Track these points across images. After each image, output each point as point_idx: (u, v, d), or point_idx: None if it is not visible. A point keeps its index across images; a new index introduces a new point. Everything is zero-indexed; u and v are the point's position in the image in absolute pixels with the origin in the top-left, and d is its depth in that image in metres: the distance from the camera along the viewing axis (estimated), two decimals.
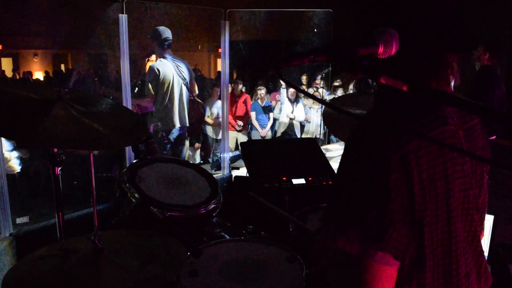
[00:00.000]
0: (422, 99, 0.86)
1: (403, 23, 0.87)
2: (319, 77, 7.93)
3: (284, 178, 2.29)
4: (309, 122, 7.39)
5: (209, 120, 6.57)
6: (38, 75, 11.51)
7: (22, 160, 4.98)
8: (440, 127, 0.86)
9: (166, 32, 4.31)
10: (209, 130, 6.66)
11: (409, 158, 0.80)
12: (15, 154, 4.81)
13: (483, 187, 0.99)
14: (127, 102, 3.12)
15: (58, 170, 1.70)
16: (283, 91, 7.44)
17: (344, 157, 0.88)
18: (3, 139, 2.29)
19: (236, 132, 6.79)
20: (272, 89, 7.99)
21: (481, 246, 0.99)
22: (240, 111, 6.80)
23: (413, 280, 0.85)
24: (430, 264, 0.86)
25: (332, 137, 6.35)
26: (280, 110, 7.28)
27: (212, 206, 1.86)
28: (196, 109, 5.50)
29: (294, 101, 7.21)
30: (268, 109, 7.02)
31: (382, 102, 0.94)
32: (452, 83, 0.93)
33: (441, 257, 0.87)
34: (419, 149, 0.81)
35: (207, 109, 6.57)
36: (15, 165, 4.83)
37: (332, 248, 1.07)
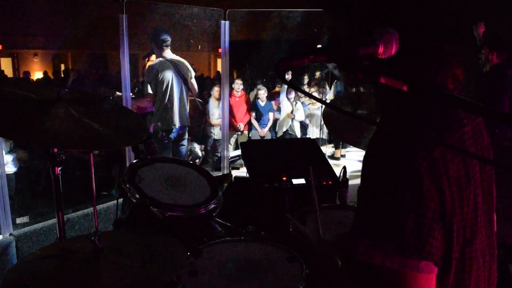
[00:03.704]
0: (422, 99, 0.86)
1: (402, 22, 0.87)
2: (319, 77, 7.93)
3: (284, 178, 2.29)
4: (309, 122, 7.40)
5: (209, 120, 6.57)
6: (38, 75, 11.51)
7: (19, 161, 4.97)
8: (460, 130, 0.87)
9: (164, 33, 4.30)
10: (209, 130, 6.67)
11: (438, 164, 0.80)
12: (10, 157, 4.75)
13: (493, 183, 0.99)
14: (127, 102, 3.12)
15: (58, 170, 1.70)
16: (282, 90, 7.45)
17: (368, 170, 0.85)
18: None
19: (235, 132, 6.79)
20: (272, 89, 8.00)
21: (495, 247, 0.99)
22: (240, 111, 6.80)
23: (437, 284, 0.84)
24: (455, 268, 0.86)
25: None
26: (280, 110, 7.28)
27: (212, 206, 1.86)
28: (196, 109, 5.51)
29: (293, 100, 7.21)
30: (267, 109, 7.02)
31: (396, 109, 0.92)
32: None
33: (459, 262, 0.87)
34: (446, 154, 0.81)
35: (207, 109, 6.57)
36: (9, 168, 4.78)
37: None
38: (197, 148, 6.14)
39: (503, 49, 4.46)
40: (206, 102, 6.65)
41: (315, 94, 7.12)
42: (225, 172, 3.59)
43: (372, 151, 0.87)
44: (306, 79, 8.05)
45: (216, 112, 6.48)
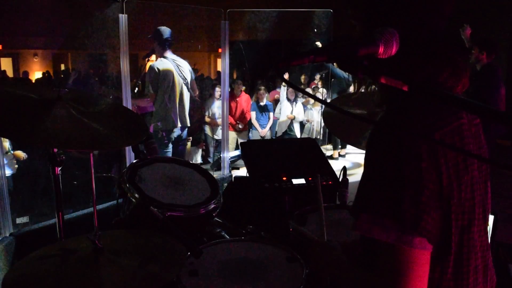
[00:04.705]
0: (423, 99, 0.87)
1: (403, 22, 0.87)
2: (318, 77, 7.94)
3: (284, 178, 2.29)
4: (310, 123, 7.40)
5: (209, 120, 6.57)
6: (38, 75, 11.50)
7: (17, 162, 4.95)
8: (459, 120, 0.90)
9: (168, 32, 4.33)
10: (209, 130, 6.67)
11: (437, 147, 0.83)
12: (4, 160, 4.69)
13: (488, 182, 1.01)
14: (127, 102, 3.12)
15: (58, 170, 1.70)
16: (282, 90, 7.45)
17: (370, 152, 0.89)
18: None
19: (236, 132, 6.79)
20: (272, 89, 8.01)
21: (487, 241, 1.01)
22: (240, 111, 6.80)
23: (436, 267, 0.88)
24: (454, 252, 0.88)
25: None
26: (280, 110, 7.28)
27: (212, 206, 1.86)
28: (197, 109, 5.51)
29: (293, 100, 7.21)
30: (267, 109, 7.03)
31: (397, 102, 0.95)
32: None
33: (457, 247, 0.89)
34: (445, 140, 0.85)
35: (207, 109, 6.57)
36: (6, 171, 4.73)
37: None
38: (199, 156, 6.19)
39: (493, 48, 4.59)
40: (205, 103, 6.65)
41: (316, 95, 7.11)
42: (225, 172, 3.59)
43: (375, 135, 0.90)
44: (307, 78, 8.06)
45: (217, 112, 6.48)
